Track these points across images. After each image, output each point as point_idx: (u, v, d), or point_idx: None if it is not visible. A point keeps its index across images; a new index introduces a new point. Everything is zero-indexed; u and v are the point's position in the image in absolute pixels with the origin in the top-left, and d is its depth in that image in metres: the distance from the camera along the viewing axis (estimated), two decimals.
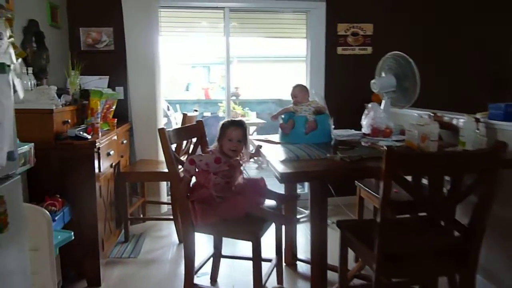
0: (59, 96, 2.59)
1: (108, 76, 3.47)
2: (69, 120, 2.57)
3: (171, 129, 2.14)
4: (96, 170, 2.47)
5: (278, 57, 10.83)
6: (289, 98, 2.56)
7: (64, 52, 3.44)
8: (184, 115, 3.15)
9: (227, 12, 3.82)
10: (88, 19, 3.57)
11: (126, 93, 3.64)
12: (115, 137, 2.94)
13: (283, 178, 1.69)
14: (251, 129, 6.11)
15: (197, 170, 2.05)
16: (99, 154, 2.49)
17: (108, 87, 3.45)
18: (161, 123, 3.72)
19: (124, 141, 3.30)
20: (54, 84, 2.95)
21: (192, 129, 2.41)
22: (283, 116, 2.54)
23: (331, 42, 3.90)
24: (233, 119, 2.18)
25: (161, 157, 3.54)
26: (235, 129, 2.07)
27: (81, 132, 2.43)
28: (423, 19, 4.08)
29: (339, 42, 3.92)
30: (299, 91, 2.52)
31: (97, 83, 3.42)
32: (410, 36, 3.95)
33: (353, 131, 2.76)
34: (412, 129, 2.18)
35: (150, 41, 3.55)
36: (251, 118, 6.11)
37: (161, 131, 2.04)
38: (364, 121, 2.67)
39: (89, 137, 2.44)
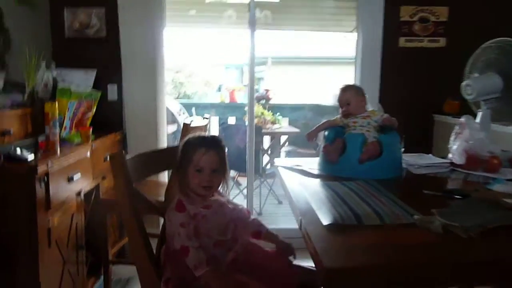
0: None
1: (95, 70, 2.67)
2: (11, 130, 1.76)
3: (130, 156, 1.24)
4: (42, 205, 1.64)
5: (318, 58, 9.85)
6: (329, 103, 1.66)
7: (40, 39, 2.66)
8: (185, 126, 2.18)
9: None
10: None
11: (121, 92, 2.82)
12: (88, 154, 2.11)
13: (330, 282, 0.78)
14: (282, 139, 5.16)
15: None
16: (47, 183, 1.66)
17: (96, 84, 2.66)
18: (164, 132, 2.86)
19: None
20: (18, 78, 2.18)
21: (166, 154, 1.43)
22: (326, 132, 1.64)
23: (391, 31, 2.91)
24: (202, 135, 1.29)
25: (163, 177, 2.70)
26: (206, 153, 1.21)
27: (18, 150, 1.60)
28: None
29: (402, 31, 2.91)
30: (353, 96, 1.63)
31: (81, 79, 2.63)
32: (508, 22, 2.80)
33: (431, 158, 1.85)
34: None
35: (151, 30, 2.71)
36: (282, 125, 5.18)
37: (114, 159, 1.17)
38: (455, 145, 1.71)
39: (29, 157, 1.61)
